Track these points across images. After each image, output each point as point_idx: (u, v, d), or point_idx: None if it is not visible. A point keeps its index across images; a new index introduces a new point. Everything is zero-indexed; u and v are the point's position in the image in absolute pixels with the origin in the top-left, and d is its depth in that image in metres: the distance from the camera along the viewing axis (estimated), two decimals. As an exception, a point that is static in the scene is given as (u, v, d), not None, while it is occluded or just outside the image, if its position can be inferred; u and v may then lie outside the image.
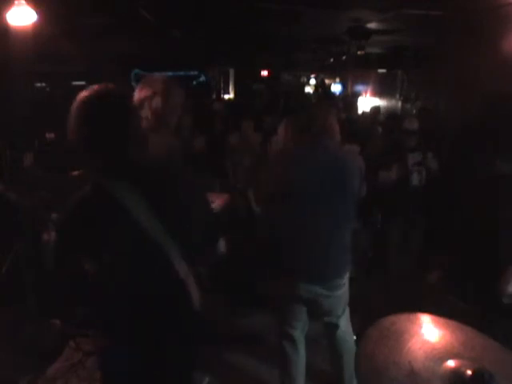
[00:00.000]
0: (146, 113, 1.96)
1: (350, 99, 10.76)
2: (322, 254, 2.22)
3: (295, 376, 2.48)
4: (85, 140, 1.36)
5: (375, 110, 7.45)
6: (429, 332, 1.13)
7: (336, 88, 13.49)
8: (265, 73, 13.33)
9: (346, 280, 2.38)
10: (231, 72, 12.88)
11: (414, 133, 3.89)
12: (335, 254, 2.26)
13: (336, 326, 2.47)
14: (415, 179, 3.79)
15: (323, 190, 2.17)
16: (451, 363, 1.02)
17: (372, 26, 6.36)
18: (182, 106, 2.06)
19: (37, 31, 3.92)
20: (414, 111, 7.78)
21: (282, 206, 2.21)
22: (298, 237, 2.23)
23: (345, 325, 2.49)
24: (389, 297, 3.69)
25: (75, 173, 2.58)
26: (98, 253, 1.35)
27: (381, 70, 10.37)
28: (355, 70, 11.07)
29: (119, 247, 1.35)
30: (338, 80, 13.83)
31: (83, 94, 1.38)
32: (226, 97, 12.63)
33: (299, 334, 2.48)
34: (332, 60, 10.47)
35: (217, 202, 4.06)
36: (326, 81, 14.85)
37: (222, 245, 3.00)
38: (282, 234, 2.27)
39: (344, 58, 9.35)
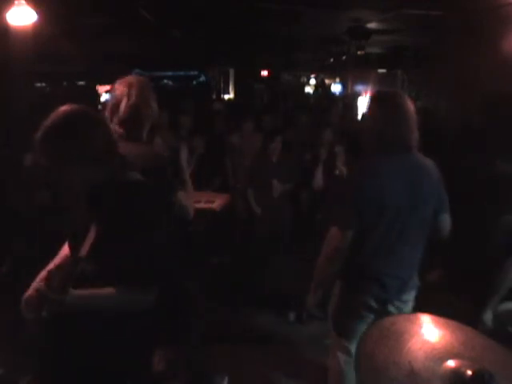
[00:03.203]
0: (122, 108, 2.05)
1: (349, 99, 10.75)
2: (403, 266, 2.15)
3: None
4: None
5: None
6: (429, 332, 1.13)
7: (336, 88, 13.48)
8: (265, 73, 13.32)
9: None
10: (231, 72, 12.87)
11: None
12: (412, 267, 2.21)
13: None
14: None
15: (411, 203, 2.04)
16: (451, 363, 1.02)
17: (372, 25, 6.36)
18: (155, 100, 2.12)
19: (37, 31, 3.91)
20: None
21: (370, 219, 2.05)
22: (386, 249, 2.09)
23: None
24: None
25: None
26: None
27: (381, 70, 10.36)
28: (355, 70, 11.05)
29: None
30: (338, 80, 13.82)
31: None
32: (226, 97, 12.61)
33: (354, 349, 2.27)
34: (332, 60, 10.47)
35: (217, 202, 4.06)
36: (326, 81, 14.85)
37: None
38: (368, 247, 2.10)
39: (344, 58, 9.34)
